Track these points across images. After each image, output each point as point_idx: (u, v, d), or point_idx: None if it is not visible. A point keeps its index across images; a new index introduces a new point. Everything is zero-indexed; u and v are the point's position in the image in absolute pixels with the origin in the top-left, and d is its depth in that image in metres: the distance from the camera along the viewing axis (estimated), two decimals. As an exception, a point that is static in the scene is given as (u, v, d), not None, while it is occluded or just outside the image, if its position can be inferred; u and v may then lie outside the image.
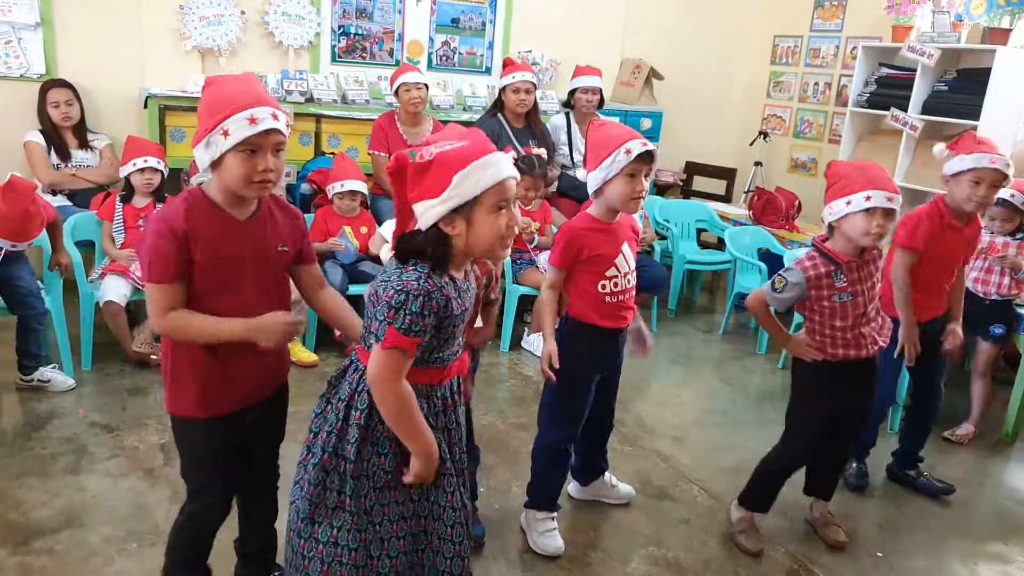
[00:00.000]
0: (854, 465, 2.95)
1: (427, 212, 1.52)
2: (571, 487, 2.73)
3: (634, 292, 2.37)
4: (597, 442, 2.64)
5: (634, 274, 2.36)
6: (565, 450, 2.46)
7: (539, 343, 4.04)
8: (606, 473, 2.72)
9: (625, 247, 2.32)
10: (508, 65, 4.42)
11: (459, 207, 1.50)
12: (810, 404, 2.45)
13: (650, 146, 2.18)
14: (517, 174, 1.57)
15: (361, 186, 3.92)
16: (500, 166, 1.52)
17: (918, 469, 3.01)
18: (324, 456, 1.60)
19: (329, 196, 3.94)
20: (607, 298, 2.30)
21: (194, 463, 1.84)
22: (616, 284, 2.30)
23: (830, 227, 2.31)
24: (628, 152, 2.15)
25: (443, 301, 1.51)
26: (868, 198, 2.17)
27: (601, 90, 4.60)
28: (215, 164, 1.61)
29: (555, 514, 2.49)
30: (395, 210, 1.62)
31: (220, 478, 1.85)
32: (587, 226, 2.28)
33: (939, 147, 2.75)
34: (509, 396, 3.57)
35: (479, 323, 1.99)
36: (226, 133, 1.56)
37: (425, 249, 1.53)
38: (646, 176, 2.20)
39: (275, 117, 1.60)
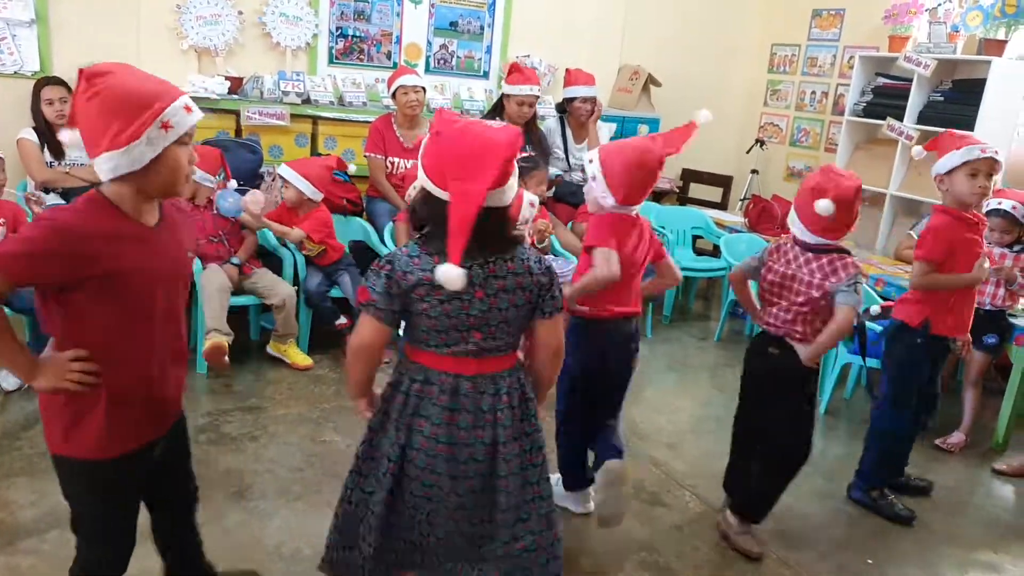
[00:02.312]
0: (889, 497, 2.87)
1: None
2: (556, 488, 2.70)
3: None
4: (600, 436, 2.58)
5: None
6: (572, 421, 2.52)
7: None
8: (590, 489, 2.66)
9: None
10: (515, 71, 4.31)
11: None
12: (803, 401, 2.47)
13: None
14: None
15: (299, 182, 3.66)
16: None
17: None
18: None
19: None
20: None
21: (96, 510, 1.65)
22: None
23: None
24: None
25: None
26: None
27: (598, 98, 4.60)
28: (151, 163, 1.45)
29: (589, 490, 2.62)
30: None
31: (127, 523, 1.69)
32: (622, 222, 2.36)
33: (917, 148, 2.78)
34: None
35: None
36: (167, 126, 1.44)
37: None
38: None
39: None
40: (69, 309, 1.48)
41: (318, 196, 3.74)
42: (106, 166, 1.44)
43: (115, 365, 1.53)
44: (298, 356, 3.68)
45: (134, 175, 1.46)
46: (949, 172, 2.65)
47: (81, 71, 1.46)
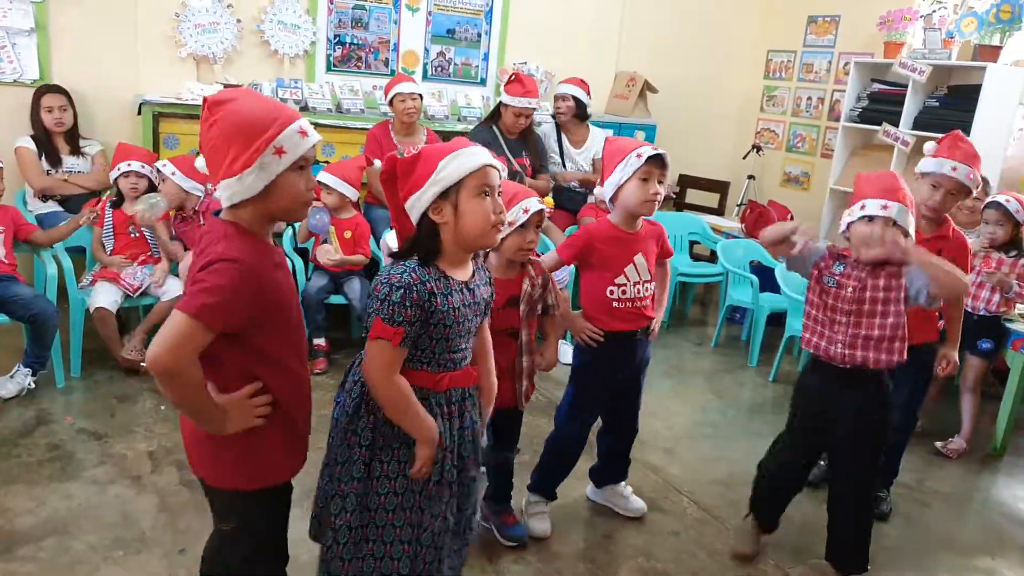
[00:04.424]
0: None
1: (416, 202, 1.60)
2: (588, 489, 2.81)
3: (649, 300, 2.46)
4: (619, 448, 2.72)
5: (649, 284, 2.45)
6: (575, 445, 2.58)
7: (568, 351, 4.06)
8: (622, 483, 2.77)
9: (639, 258, 2.41)
10: (517, 82, 4.27)
11: (445, 192, 1.58)
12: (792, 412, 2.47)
13: (660, 150, 2.30)
14: (501, 167, 1.65)
15: (341, 186, 3.73)
16: (482, 155, 1.61)
17: (887, 491, 2.96)
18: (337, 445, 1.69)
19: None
20: (615, 303, 2.40)
21: (260, 541, 1.66)
22: (624, 291, 2.40)
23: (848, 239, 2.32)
24: (639, 156, 2.27)
25: (425, 294, 1.56)
26: (863, 207, 2.20)
27: (575, 96, 4.59)
28: (265, 189, 1.45)
29: (548, 502, 2.62)
30: (392, 217, 1.68)
31: (283, 554, 1.72)
32: (604, 232, 2.40)
33: (929, 144, 2.72)
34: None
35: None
36: (280, 151, 1.43)
37: (416, 241, 1.62)
38: (659, 181, 2.33)
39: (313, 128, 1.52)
40: (239, 345, 1.46)
41: (356, 195, 3.85)
42: (224, 193, 1.46)
43: (284, 389, 1.54)
44: None
45: (251, 201, 1.46)
46: (923, 174, 2.63)
47: (205, 99, 1.48)
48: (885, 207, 2.16)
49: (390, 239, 2.54)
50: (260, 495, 1.58)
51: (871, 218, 2.17)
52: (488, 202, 1.59)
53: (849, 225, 2.25)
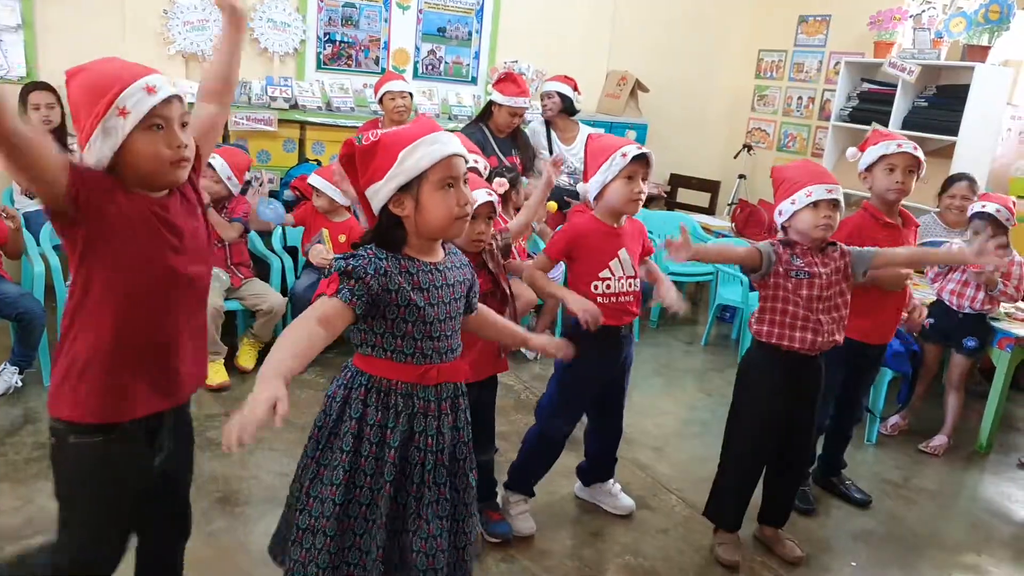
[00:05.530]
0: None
1: (376, 194, 1.52)
2: (576, 486, 2.81)
3: (632, 297, 2.46)
4: (606, 447, 2.71)
5: (634, 280, 2.45)
6: (558, 443, 2.57)
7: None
8: (610, 480, 2.77)
9: (623, 252, 2.42)
10: (509, 82, 4.26)
11: (406, 185, 1.50)
12: (753, 407, 2.45)
13: (644, 149, 2.31)
14: (466, 153, 1.57)
15: (330, 189, 3.68)
16: (445, 143, 1.52)
17: (840, 476, 3.03)
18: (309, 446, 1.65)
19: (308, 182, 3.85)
20: (599, 298, 2.38)
21: (83, 491, 1.52)
22: (609, 286, 2.40)
23: (783, 229, 2.36)
24: (624, 155, 2.28)
25: (383, 269, 1.50)
26: (809, 193, 2.24)
27: (560, 92, 4.58)
28: (118, 155, 1.38)
29: (529, 499, 2.60)
30: (359, 200, 1.60)
31: (119, 516, 1.58)
32: (588, 226, 2.40)
33: (851, 150, 2.77)
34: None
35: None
36: (124, 112, 1.36)
37: (377, 232, 1.55)
38: (643, 180, 2.34)
39: (172, 84, 1.43)
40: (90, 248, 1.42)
41: (346, 200, 3.74)
42: (92, 159, 1.40)
43: (131, 319, 1.47)
44: (243, 357, 3.65)
45: (114, 166, 1.39)
46: (870, 168, 2.68)
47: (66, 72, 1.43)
48: (831, 191, 2.25)
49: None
50: (79, 428, 1.46)
51: (816, 203, 2.24)
52: (451, 194, 1.51)
53: (794, 213, 2.28)
